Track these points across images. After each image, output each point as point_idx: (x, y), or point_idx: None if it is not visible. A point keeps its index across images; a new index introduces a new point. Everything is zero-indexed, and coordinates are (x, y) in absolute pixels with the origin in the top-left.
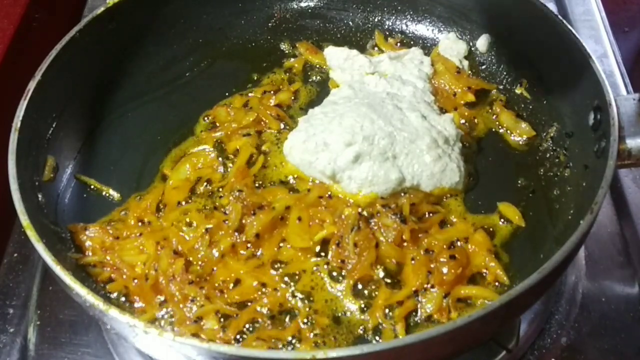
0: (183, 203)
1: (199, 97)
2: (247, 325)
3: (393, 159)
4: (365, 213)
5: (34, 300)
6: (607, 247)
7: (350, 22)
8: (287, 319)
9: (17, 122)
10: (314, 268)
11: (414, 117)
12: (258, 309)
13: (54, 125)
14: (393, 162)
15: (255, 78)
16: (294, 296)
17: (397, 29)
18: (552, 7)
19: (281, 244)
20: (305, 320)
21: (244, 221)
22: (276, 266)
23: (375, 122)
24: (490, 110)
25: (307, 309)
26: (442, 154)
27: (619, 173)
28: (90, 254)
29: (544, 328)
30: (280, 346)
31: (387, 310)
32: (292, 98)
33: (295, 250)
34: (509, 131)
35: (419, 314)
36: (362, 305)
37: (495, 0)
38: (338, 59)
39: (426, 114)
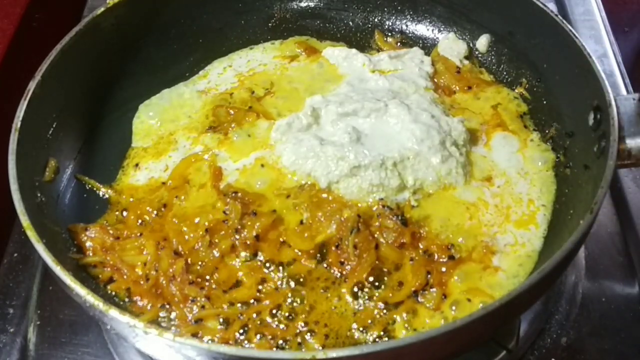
0: (182, 203)
1: None
2: (247, 325)
3: (393, 166)
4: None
5: (34, 300)
6: (607, 247)
7: (350, 22)
8: (287, 320)
9: (17, 122)
10: (314, 269)
11: (424, 116)
12: (258, 309)
13: (54, 125)
14: (393, 168)
15: None
16: (294, 297)
17: (397, 29)
18: (552, 7)
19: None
20: (305, 321)
21: (244, 222)
22: (276, 267)
23: (363, 144)
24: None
25: (307, 310)
26: (450, 156)
27: (619, 173)
28: (91, 254)
29: (544, 328)
30: (281, 345)
31: (386, 311)
32: None
33: (296, 252)
34: None
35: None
36: (362, 306)
37: (496, 0)
38: (337, 59)
39: (435, 114)
